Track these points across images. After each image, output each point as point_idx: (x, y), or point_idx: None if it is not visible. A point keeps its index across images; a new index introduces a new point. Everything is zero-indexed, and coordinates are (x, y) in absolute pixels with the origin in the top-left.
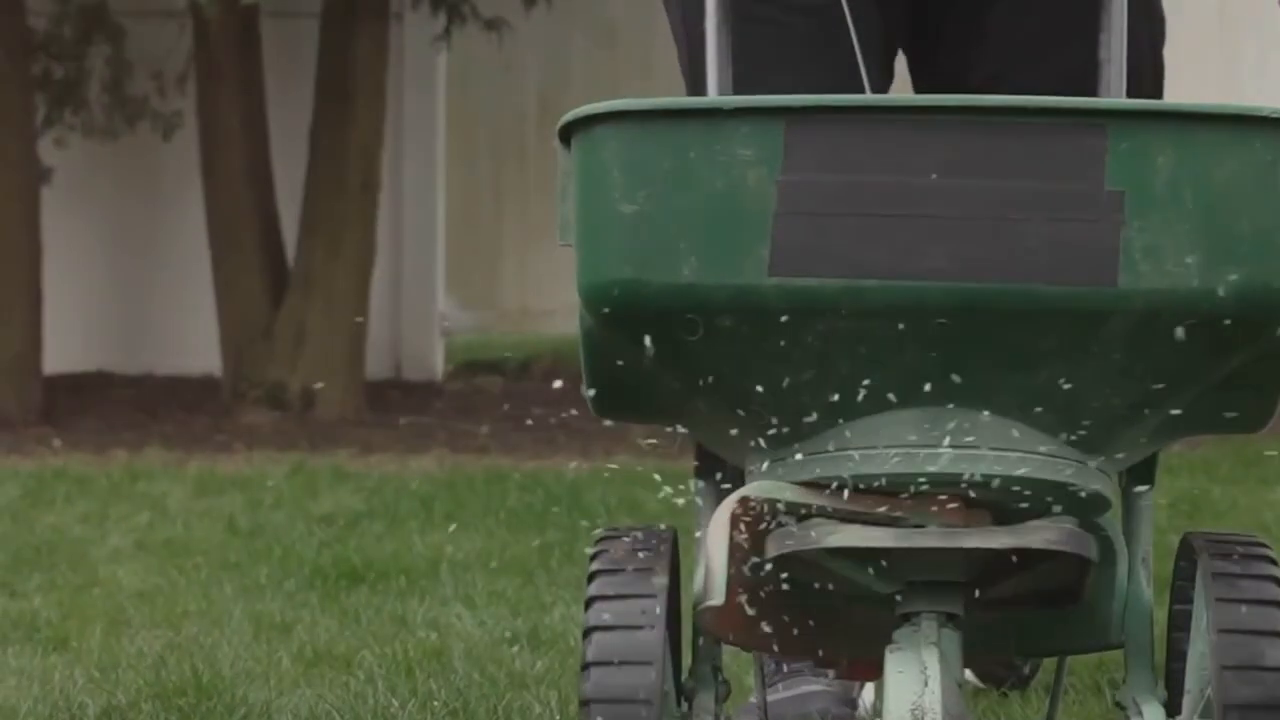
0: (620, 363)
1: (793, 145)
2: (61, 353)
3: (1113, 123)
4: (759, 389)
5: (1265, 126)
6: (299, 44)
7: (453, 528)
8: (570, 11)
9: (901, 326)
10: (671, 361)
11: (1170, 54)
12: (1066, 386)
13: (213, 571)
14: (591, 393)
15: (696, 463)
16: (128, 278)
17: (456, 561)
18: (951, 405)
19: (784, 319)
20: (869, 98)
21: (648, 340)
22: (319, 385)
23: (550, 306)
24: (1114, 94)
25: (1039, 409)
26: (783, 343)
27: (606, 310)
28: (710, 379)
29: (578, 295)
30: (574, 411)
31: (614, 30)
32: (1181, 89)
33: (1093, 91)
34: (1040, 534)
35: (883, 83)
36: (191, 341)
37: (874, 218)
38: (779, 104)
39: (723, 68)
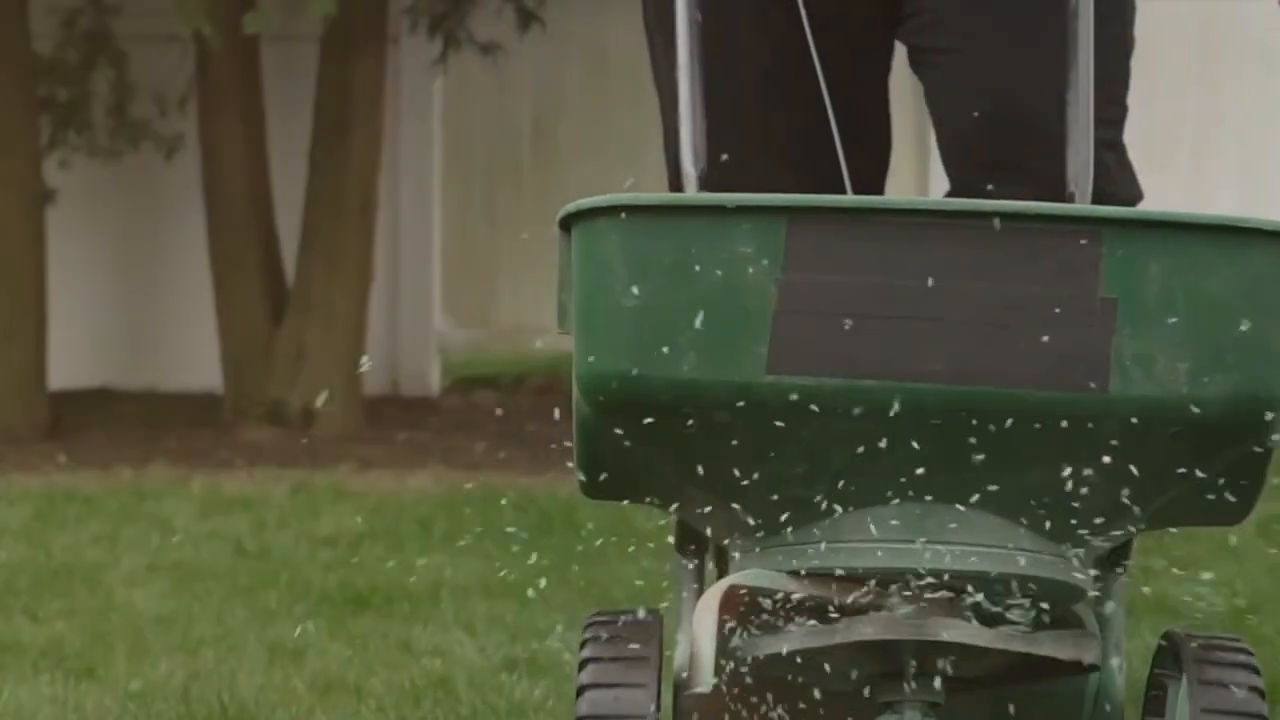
0: (613, 449)
1: (794, 244)
2: (66, 369)
3: (1109, 230)
4: (753, 479)
5: (1258, 238)
6: (298, 67)
7: (462, 542)
8: (564, 36)
9: (896, 426)
10: (666, 451)
11: (1149, 66)
12: (1056, 485)
13: (225, 596)
14: (582, 476)
15: (677, 536)
16: (131, 296)
17: (456, 585)
18: (941, 501)
19: (780, 416)
20: (870, 200)
21: (643, 431)
22: (323, 396)
23: (544, 324)
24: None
25: (1028, 506)
26: (778, 438)
27: (604, 401)
28: (704, 469)
29: (574, 382)
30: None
31: (606, 55)
32: (1160, 101)
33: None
34: (1058, 644)
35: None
36: (193, 358)
37: (872, 318)
38: (781, 203)
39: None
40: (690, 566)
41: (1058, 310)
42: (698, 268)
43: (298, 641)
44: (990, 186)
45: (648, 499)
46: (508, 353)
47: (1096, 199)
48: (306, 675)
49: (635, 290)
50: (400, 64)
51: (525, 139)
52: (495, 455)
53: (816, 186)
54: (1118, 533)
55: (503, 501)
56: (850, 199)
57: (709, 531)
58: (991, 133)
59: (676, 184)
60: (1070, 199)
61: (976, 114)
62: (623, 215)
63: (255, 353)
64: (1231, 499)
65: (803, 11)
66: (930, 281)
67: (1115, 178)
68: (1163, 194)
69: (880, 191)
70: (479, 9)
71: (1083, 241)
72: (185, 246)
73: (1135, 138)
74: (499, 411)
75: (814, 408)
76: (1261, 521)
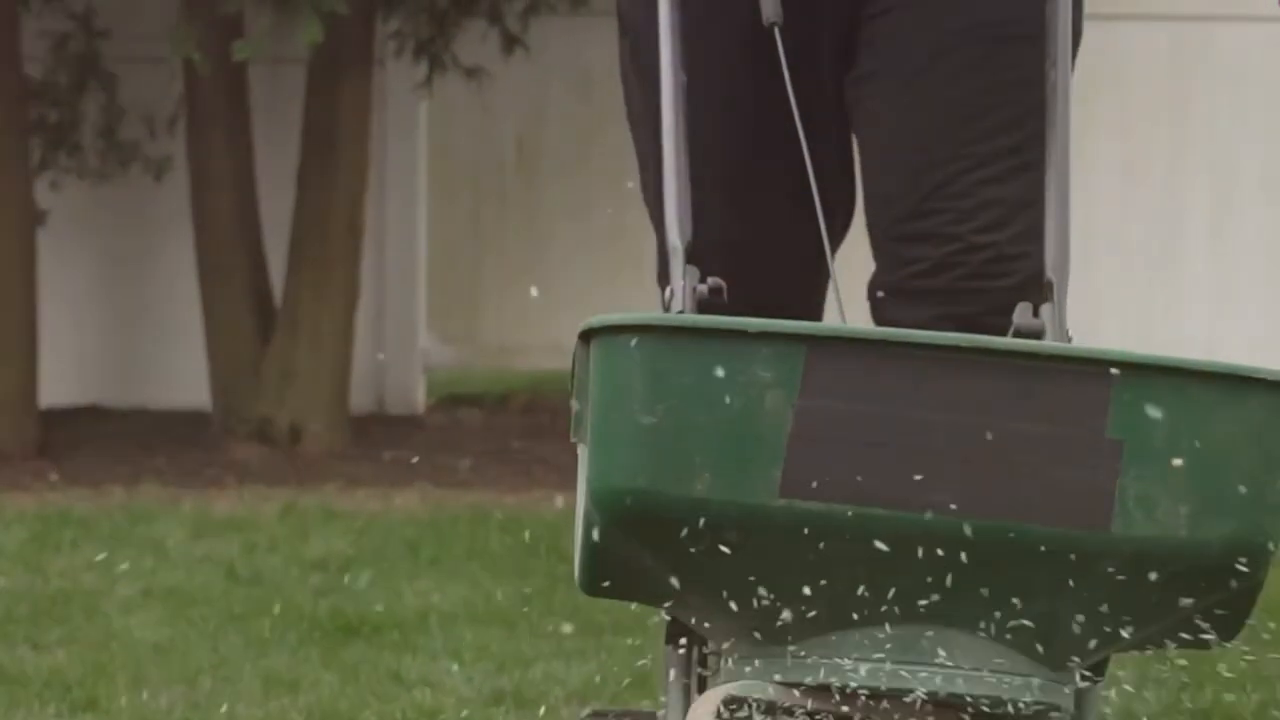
0: (621, 559)
1: (811, 371)
2: (56, 387)
3: (1118, 374)
4: (758, 596)
5: (1261, 388)
6: (286, 90)
7: (448, 567)
8: (547, 60)
9: (902, 553)
10: (674, 565)
11: (1124, 86)
12: (1055, 615)
13: (219, 624)
14: (584, 576)
15: (669, 628)
16: (120, 315)
17: (444, 613)
18: (940, 625)
19: (790, 538)
20: (887, 333)
21: (653, 545)
22: (312, 425)
23: (528, 343)
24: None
25: (1025, 633)
26: (787, 559)
27: (617, 515)
28: (710, 583)
29: (587, 494)
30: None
31: (588, 76)
32: (1135, 121)
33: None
34: None
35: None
36: (181, 376)
37: (884, 448)
38: (802, 330)
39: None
40: (682, 656)
41: (1065, 449)
42: (716, 390)
43: (292, 672)
44: (916, 255)
45: (649, 601)
46: (492, 370)
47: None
48: (302, 706)
49: (654, 409)
50: (386, 86)
51: (509, 159)
52: (481, 473)
53: (784, 245)
54: (1108, 651)
55: (490, 523)
56: (868, 330)
57: (707, 634)
58: (919, 203)
59: (664, 250)
60: (1048, 287)
61: (906, 182)
62: (644, 335)
63: (243, 371)
64: (1219, 625)
65: (782, 59)
66: (943, 414)
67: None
68: (1137, 210)
69: (834, 249)
70: (463, 33)
71: (1092, 384)
72: (174, 266)
73: (1111, 156)
74: (484, 438)
75: (823, 533)
76: None
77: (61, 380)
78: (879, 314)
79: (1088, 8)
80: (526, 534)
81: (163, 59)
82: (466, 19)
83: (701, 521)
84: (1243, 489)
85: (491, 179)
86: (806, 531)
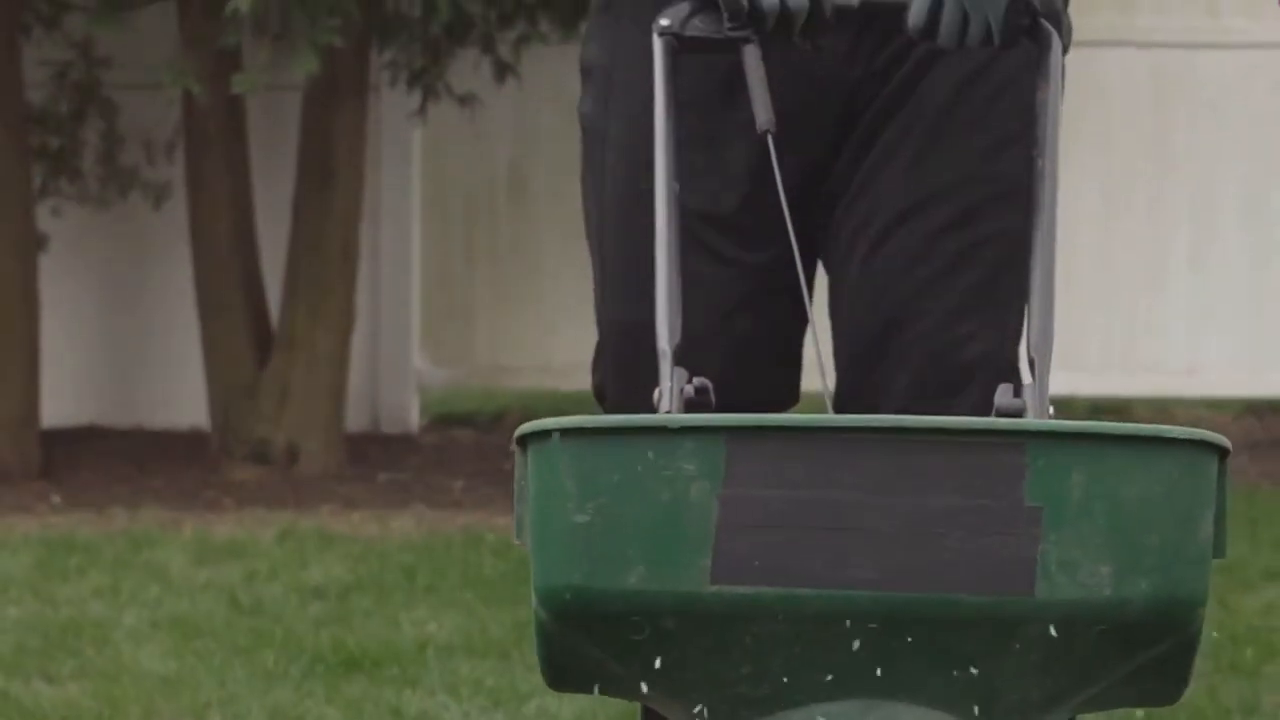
0: (572, 651)
1: (734, 462)
2: (56, 407)
3: (1032, 443)
4: (699, 680)
5: (1172, 447)
6: (282, 116)
7: (444, 595)
8: (538, 87)
9: (834, 630)
10: (619, 654)
11: (1106, 113)
12: (989, 682)
13: (225, 656)
14: (545, 672)
15: (641, 710)
16: (120, 337)
17: (441, 644)
18: (878, 699)
19: (724, 623)
20: (803, 419)
21: (597, 637)
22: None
23: (519, 363)
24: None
25: (961, 701)
26: (723, 642)
27: (559, 611)
28: (655, 670)
29: (533, 592)
30: None
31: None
32: (1116, 148)
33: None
34: None
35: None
36: (179, 397)
37: (808, 530)
38: (722, 423)
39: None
40: None
41: (985, 519)
42: (643, 485)
43: (297, 708)
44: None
45: (610, 692)
46: (484, 390)
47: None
48: None
49: (585, 507)
50: (380, 113)
51: (501, 184)
52: (474, 493)
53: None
54: (1050, 716)
55: (483, 547)
56: (786, 418)
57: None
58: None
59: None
60: (1030, 364)
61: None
62: (572, 437)
63: (241, 393)
64: (1163, 683)
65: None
66: (862, 494)
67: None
68: (1119, 234)
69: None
70: (456, 61)
71: (1008, 454)
72: (173, 290)
73: (1092, 183)
74: (478, 458)
75: (756, 616)
76: None
77: (61, 400)
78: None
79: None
80: (519, 557)
81: (161, 86)
82: (459, 48)
83: (638, 612)
84: (1162, 546)
85: (484, 203)
86: (739, 616)
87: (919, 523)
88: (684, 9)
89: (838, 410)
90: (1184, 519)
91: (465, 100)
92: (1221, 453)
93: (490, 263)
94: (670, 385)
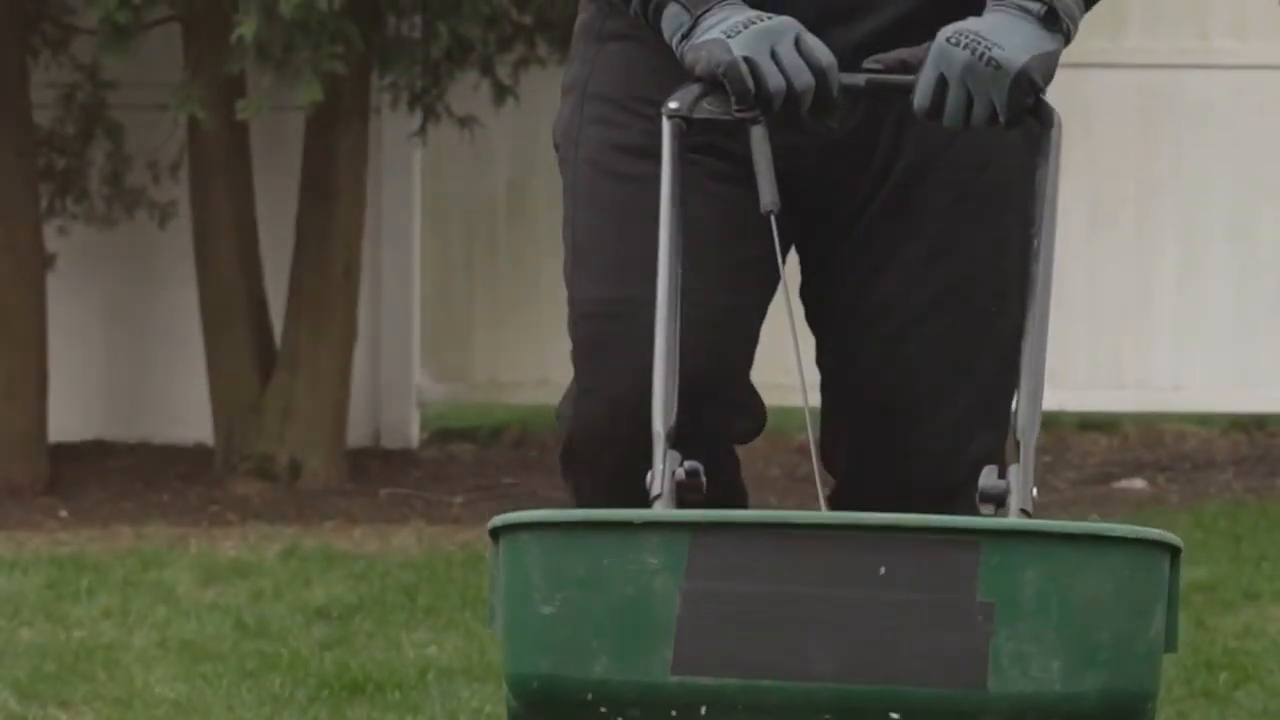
0: None
1: (696, 556)
2: (63, 423)
3: (985, 540)
4: None
5: (1122, 545)
6: (285, 137)
7: (444, 618)
8: (536, 108)
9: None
10: None
11: (1093, 130)
12: None
13: (233, 680)
14: None
15: None
16: (125, 353)
17: (441, 668)
18: None
19: (686, 713)
20: (764, 515)
21: None
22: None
23: (518, 379)
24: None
25: None
26: None
27: (527, 699)
28: None
29: (505, 681)
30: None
31: None
32: (1104, 165)
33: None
34: None
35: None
36: (183, 412)
37: (768, 623)
38: (685, 519)
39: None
40: None
41: (940, 614)
42: (608, 578)
43: None
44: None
45: None
46: (484, 405)
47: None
48: None
49: (553, 599)
50: (382, 133)
51: (500, 204)
52: (473, 508)
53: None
54: None
55: (482, 566)
56: (747, 515)
57: None
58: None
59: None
60: (1016, 446)
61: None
62: (541, 531)
63: (245, 409)
64: None
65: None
66: (820, 589)
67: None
68: (1107, 252)
69: None
70: (456, 84)
71: (962, 551)
72: (177, 308)
73: (1078, 202)
74: (477, 473)
75: (717, 706)
76: None
77: (68, 416)
78: None
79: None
80: None
81: (167, 105)
82: (459, 71)
83: (602, 702)
84: (1113, 642)
85: (483, 222)
86: (701, 706)
87: (876, 617)
88: (693, 91)
89: (836, 506)
90: (1135, 615)
91: (465, 122)
92: (1173, 551)
93: (490, 281)
94: (663, 469)
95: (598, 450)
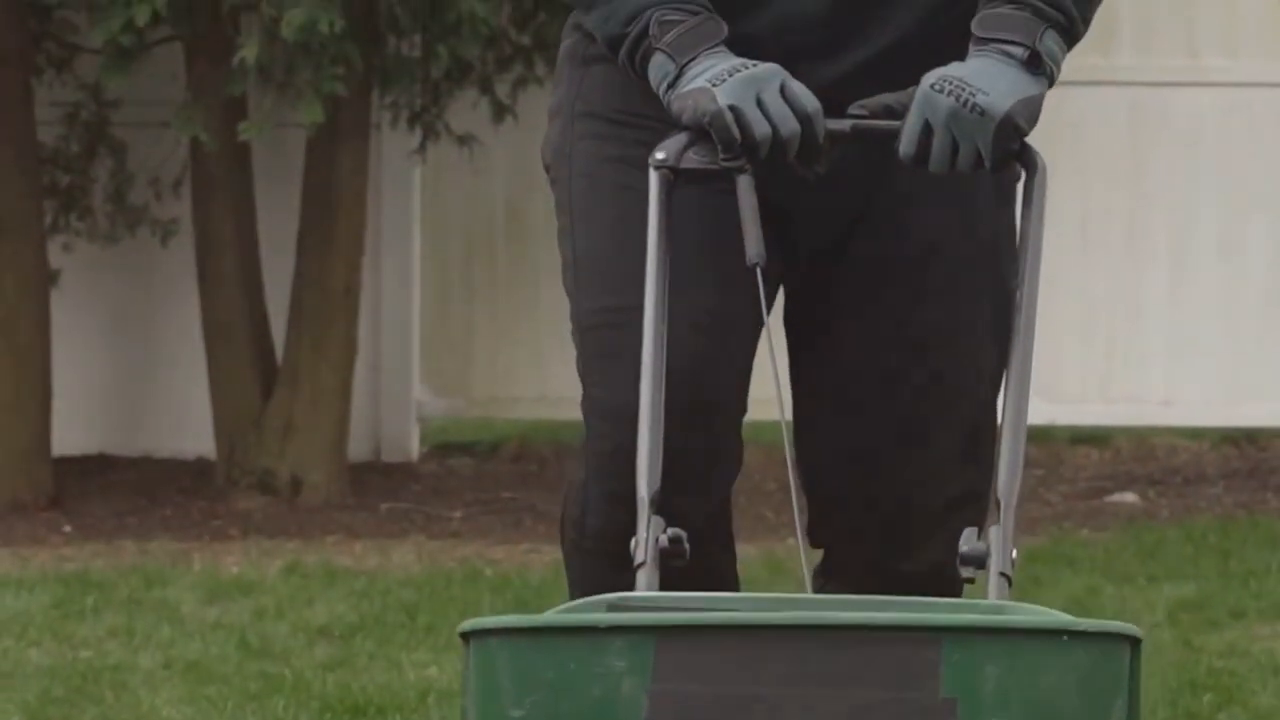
0: None
1: (662, 659)
2: (66, 437)
3: (947, 638)
4: None
5: (1083, 639)
6: (287, 153)
7: (444, 638)
8: (534, 127)
9: None
10: None
11: (1083, 149)
12: None
13: (237, 702)
14: None
15: None
16: (128, 369)
17: (441, 690)
18: None
19: None
20: (728, 617)
21: None
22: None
23: (517, 394)
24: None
25: None
26: None
27: None
28: None
29: None
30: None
31: None
32: (1093, 183)
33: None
34: None
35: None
36: (185, 426)
37: None
38: (650, 622)
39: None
40: None
41: (902, 711)
42: (576, 682)
43: None
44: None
45: None
46: (483, 420)
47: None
48: None
49: (522, 702)
50: (382, 151)
51: (499, 221)
52: (472, 522)
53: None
54: None
55: (481, 584)
56: (712, 617)
57: None
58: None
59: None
60: (998, 506)
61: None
62: (510, 636)
63: (246, 425)
64: None
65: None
66: (785, 689)
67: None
68: (1098, 268)
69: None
70: (455, 102)
71: (924, 649)
72: (179, 324)
73: (1070, 218)
74: (476, 487)
75: None
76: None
77: (72, 430)
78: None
79: None
80: (515, 596)
81: (169, 123)
82: (459, 89)
83: None
84: None
85: (482, 239)
86: None
87: (841, 716)
88: (680, 141)
89: (823, 573)
90: (1096, 708)
91: (464, 140)
92: (1133, 642)
93: (488, 296)
94: (646, 535)
95: (610, 471)
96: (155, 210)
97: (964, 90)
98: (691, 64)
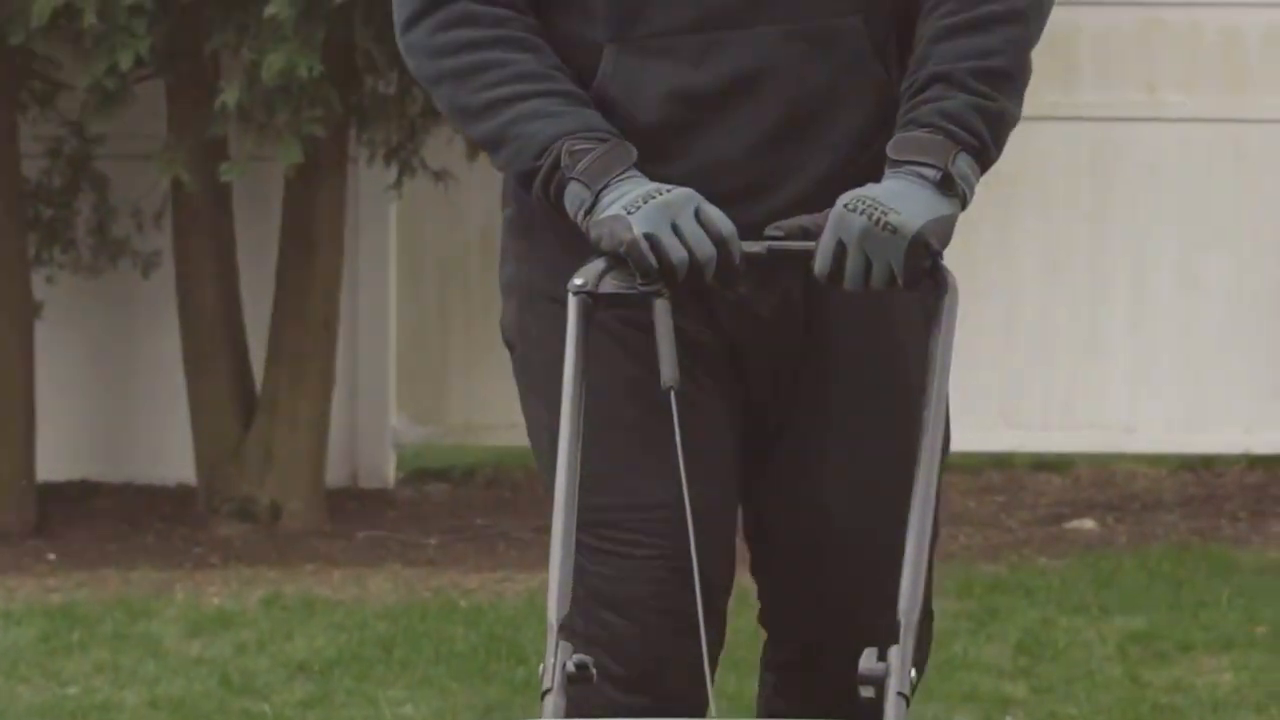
0: None
1: None
2: (51, 465)
3: None
4: None
5: None
6: (266, 188)
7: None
8: None
9: None
10: None
11: (1048, 181)
12: None
13: None
14: None
15: None
16: (110, 399)
17: None
18: None
19: None
20: None
21: None
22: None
23: (492, 421)
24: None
25: None
26: None
27: None
28: None
29: None
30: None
31: None
32: (1058, 213)
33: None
34: None
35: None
36: (167, 455)
37: None
38: None
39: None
40: None
41: None
42: None
43: None
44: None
45: None
46: (458, 447)
47: None
48: None
49: None
50: (359, 183)
51: (474, 254)
52: (447, 550)
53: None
54: None
55: (455, 616)
56: None
57: None
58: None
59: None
60: (897, 624)
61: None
62: None
63: (226, 454)
64: None
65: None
66: None
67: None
68: (1060, 298)
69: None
70: (431, 138)
71: None
72: (161, 355)
73: (1034, 248)
74: (452, 514)
75: None
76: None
77: (55, 458)
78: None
79: None
80: (488, 629)
81: (150, 155)
82: (434, 126)
83: None
84: None
85: (457, 271)
86: None
87: None
88: (598, 266)
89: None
90: None
91: (440, 175)
92: None
93: (463, 327)
94: (554, 661)
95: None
96: (137, 242)
97: (877, 209)
98: (605, 190)
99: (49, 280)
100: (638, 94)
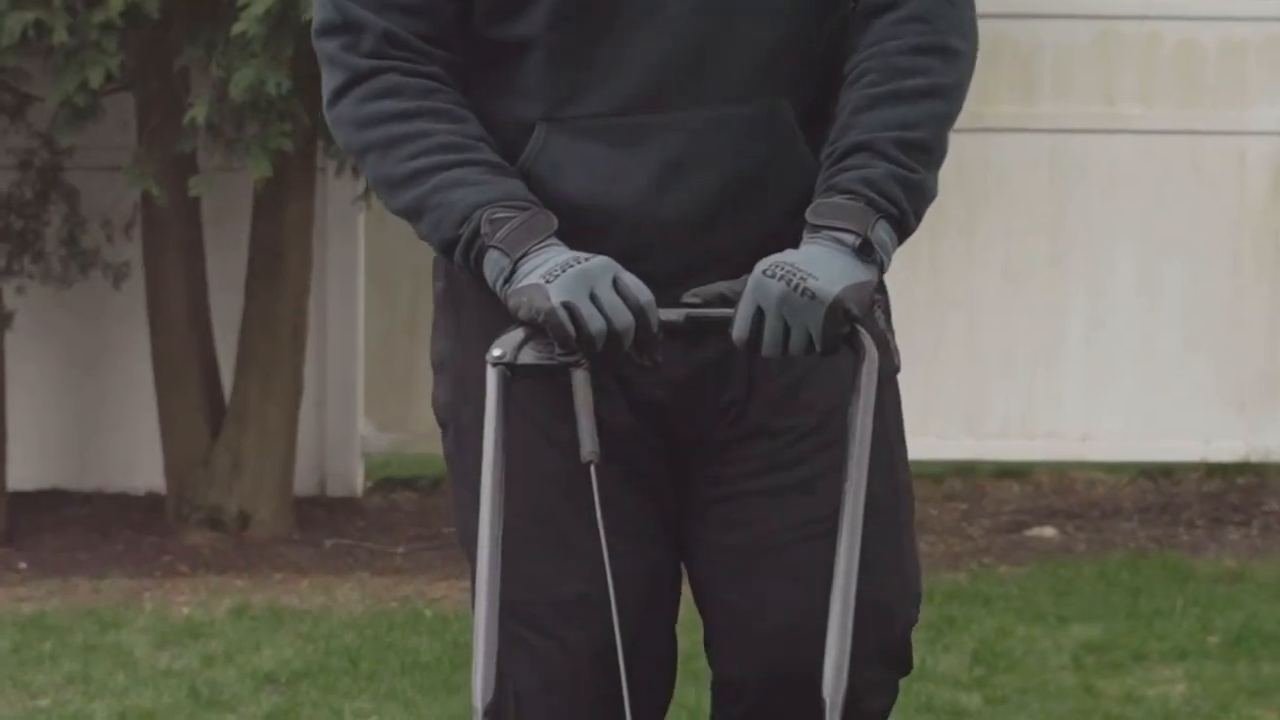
0: None
1: None
2: (22, 472)
3: None
4: None
5: None
6: (235, 198)
7: (384, 685)
8: None
9: None
10: None
11: (1008, 190)
12: None
13: None
14: None
15: None
16: (81, 407)
17: None
18: None
19: None
20: None
21: None
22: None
23: None
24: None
25: None
26: None
27: None
28: None
29: None
30: None
31: None
32: (1017, 221)
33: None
34: None
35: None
36: (137, 463)
37: None
38: None
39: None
40: None
41: None
42: None
43: None
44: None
45: None
46: (425, 455)
47: None
48: None
49: None
50: (327, 196)
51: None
52: (414, 558)
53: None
54: None
55: (421, 626)
56: None
57: None
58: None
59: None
60: (821, 707)
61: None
62: None
63: (195, 462)
64: None
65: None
66: None
67: None
68: (1019, 308)
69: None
70: None
71: None
72: (131, 364)
73: (993, 260)
74: (418, 522)
75: None
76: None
77: (26, 465)
78: None
79: (975, 121)
80: (452, 639)
81: (119, 166)
82: None
83: None
84: None
85: (424, 280)
86: None
87: None
88: (516, 337)
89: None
90: None
91: None
92: None
93: (429, 334)
94: None
95: None
96: (107, 253)
97: (795, 275)
98: (524, 259)
99: (19, 290)
100: (566, 173)
